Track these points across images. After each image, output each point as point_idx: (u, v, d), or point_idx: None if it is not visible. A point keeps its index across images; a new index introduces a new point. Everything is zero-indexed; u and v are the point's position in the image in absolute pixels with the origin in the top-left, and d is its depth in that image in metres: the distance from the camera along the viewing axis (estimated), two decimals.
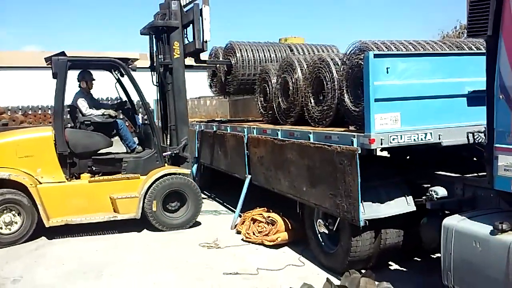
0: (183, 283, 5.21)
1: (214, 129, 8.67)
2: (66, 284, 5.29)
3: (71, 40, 79.26)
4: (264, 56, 8.16)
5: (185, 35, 7.75)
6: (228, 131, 8.00)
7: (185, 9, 7.73)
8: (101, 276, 5.46)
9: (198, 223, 7.48)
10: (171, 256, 6.05)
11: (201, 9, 7.29)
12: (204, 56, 8.16)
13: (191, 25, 7.49)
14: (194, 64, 8.13)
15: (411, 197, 4.79)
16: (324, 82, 5.60)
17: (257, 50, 8.21)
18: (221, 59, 8.59)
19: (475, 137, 4.38)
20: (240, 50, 8.07)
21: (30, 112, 24.39)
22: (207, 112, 12.71)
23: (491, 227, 3.30)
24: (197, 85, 12.52)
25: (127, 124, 8.62)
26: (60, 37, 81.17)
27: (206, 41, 7.34)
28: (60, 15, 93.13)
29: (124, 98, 8.27)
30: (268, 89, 7.21)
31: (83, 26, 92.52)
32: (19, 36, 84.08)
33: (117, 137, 8.00)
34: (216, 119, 10.31)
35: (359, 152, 4.43)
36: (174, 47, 7.58)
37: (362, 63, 4.52)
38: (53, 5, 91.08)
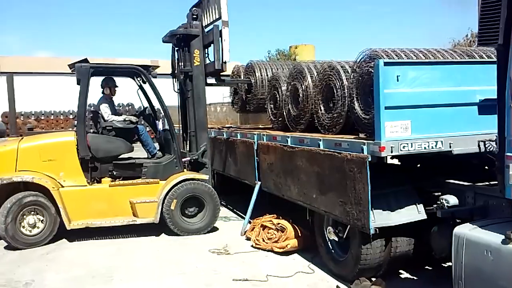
0: None
1: (225, 136, 8.71)
2: None
3: (82, 46, 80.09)
4: None
5: (207, 55, 7.94)
6: (238, 137, 8.03)
7: (206, 30, 7.95)
8: (111, 281, 5.50)
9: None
10: (180, 262, 6.07)
11: (221, 30, 7.48)
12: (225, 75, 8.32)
13: (212, 45, 7.68)
14: (214, 82, 8.28)
15: (421, 205, 4.77)
16: (334, 90, 5.61)
17: (277, 69, 8.28)
18: (242, 77, 8.73)
19: (486, 146, 4.35)
20: (260, 69, 8.15)
21: (42, 118, 24.63)
22: (218, 119, 12.75)
23: (502, 236, 3.27)
24: (207, 92, 12.59)
25: (148, 130, 8.77)
26: (71, 43, 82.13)
27: (225, 62, 7.54)
28: (72, 22, 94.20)
29: (146, 105, 8.39)
30: (278, 96, 7.24)
31: (93, 33, 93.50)
32: (30, 42, 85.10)
33: (138, 143, 8.13)
34: (227, 125, 10.34)
35: (369, 159, 4.43)
36: (194, 54, 7.75)
37: (372, 71, 4.52)
38: (64, 12, 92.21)
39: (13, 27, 72.12)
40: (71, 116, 25.27)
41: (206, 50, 7.97)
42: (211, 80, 8.23)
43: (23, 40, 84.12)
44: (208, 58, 7.97)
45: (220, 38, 7.51)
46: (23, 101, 25.07)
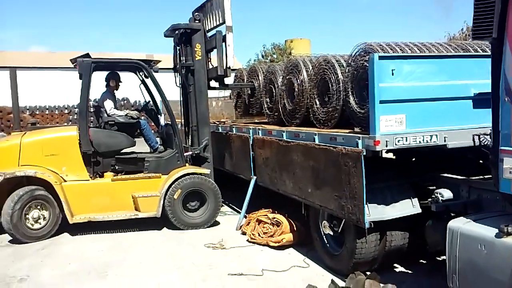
0: (188, 284, 5.23)
1: (220, 130, 8.70)
2: (72, 284, 5.33)
3: (77, 40, 79.78)
4: None
5: (209, 60, 7.92)
6: (234, 132, 8.02)
7: (208, 35, 7.92)
8: (106, 276, 5.50)
9: None
10: (176, 256, 6.07)
11: (225, 35, 7.45)
12: (229, 79, 8.27)
13: (214, 50, 7.67)
14: (218, 86, 8.26)
15: (416, 199, 4.78)
16: (329, 84, 5.60)
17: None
18: (245, 80, 8.70)
19: (481, 140, 4.36)
20: (263, 73, 8.08)
21: (37, 112, 24.49)
22: (213, 113, 12.66)
23: (496, 230, 3.29)
24: None
25: (151, 125, 8.77)
26: (67, 37, 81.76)
27: (229, 67, 7.53)
28: (66, 16, 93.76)
29: (148, 99, 8.39)
30: (274, 90, 7.23)
31: (88, 27, 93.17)
32: (26, 36, 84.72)
33: (140, 137, 8.15)
34: (222, 120, 10.32)
35: (364, 153, 4.42)
36: (196, 49, 7.73)
37: (367, 64, 4.52)
38: (58, 6, 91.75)
39: (8, 22, 71.78)
40: (66, 111, 25.14)
41: (208, 54, 7.95)
42: (214, 84, 8.21)
43: (18, 35, 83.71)
44: (211, 63, 7.96)
45: (223, 44, 7.49)
46: (18, 96, 24.96)
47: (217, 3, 7.72)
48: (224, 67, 7.56)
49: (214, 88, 8.32)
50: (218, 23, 7.79)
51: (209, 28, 8.04)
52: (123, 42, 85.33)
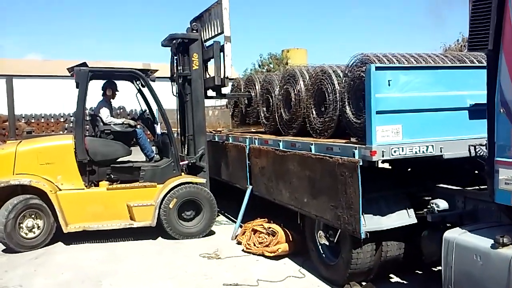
0: None
1: (216, 139, 8.70)
2: None
3: (73, 48, 79.82)
4: None
5: (207, 70, 7.96)
6: (230, 141, 8.02)
7: (206, 45, 7.96)
8: (100, 286, 5.45)
9: None
10: (171, 266, 6.03)
11: (223, 45, 7.47)
12: (226, 89, 8.28)
13: (211, 60, 7.70)
14: (215, 95, 8.28)
15: (412, 209, 4.78)
16: (326, 94, 5.62)
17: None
18: (242, 89, 8.73)
19: (477, 150, 4.38)
20: (260, 82, 8.09)
21: (33, 121, 24.42)
22: (209, 122, 12.63)
23: (492, 241, 3.29)
24: None
25: (147, 133, 8.76)
26: (62, 45, 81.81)
27: (227, 77, 7.55)
28: (63, 25, 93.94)
29: (145, 108, 8.37)
30: (270, 100, 7.24)
31: (84, 35, 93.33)
32: (22, 44, 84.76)
33: (136, 146, 8.14)
34: (219, 129, 10.32)
35: (361, 164, 4.43)
36: (193, 58, 7.75)
37: (364, 75, 4.54)
38: (56, 15, 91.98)
39: (4, 29, 71.73)
40: (62, 120, 25.08)
41: (206, 64, 7.97)
42: (211, 94, 8.21)
43: (14, 43, 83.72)
44: (208, 73, 7.96)
45: (221, 54, 7.52)
46: (14, 103, 24.84)
47: (216, 13, 7.76)
48: (222, 77, 7.58)
49: (211, 97, 8.34)
50: (216, 33, 7.82)
51: (207, 38, 8.07)
52: (120, 51, 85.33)
